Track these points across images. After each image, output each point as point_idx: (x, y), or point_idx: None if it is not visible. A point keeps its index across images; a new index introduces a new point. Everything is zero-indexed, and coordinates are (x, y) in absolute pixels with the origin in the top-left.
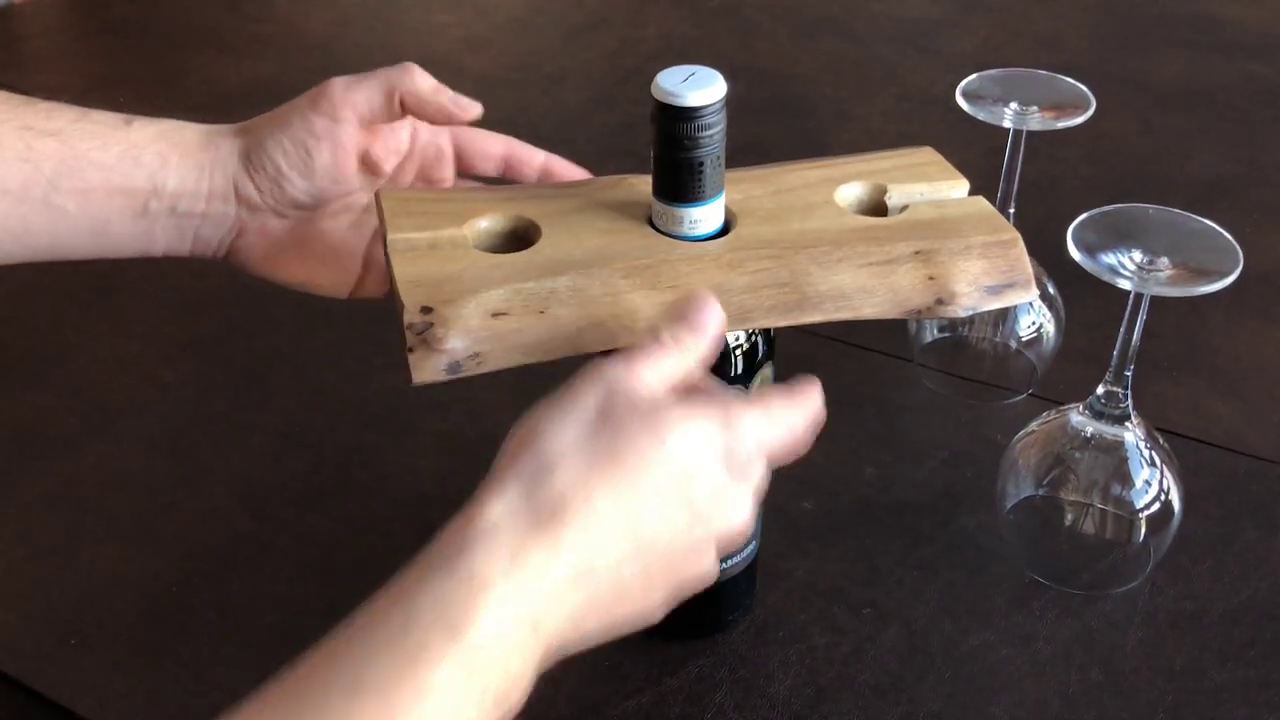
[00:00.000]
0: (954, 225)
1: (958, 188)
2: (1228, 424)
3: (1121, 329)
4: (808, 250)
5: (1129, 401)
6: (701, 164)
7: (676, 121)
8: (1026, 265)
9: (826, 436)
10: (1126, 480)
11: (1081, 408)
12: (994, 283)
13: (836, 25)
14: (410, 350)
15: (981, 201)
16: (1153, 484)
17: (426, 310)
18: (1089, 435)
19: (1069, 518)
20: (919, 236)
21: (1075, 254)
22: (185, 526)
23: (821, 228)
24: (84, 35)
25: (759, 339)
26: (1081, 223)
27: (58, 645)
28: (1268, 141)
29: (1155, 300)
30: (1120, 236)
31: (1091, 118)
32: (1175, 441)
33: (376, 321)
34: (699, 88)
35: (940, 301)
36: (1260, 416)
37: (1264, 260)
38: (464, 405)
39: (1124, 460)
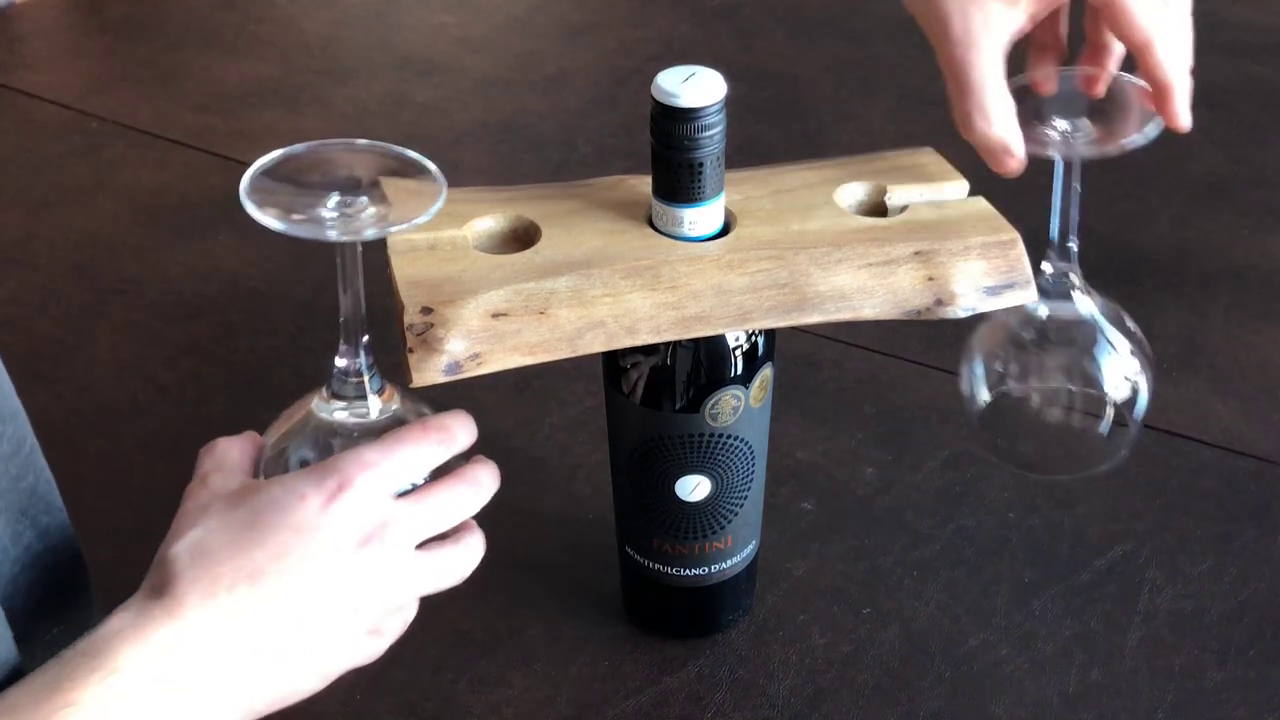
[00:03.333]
0: (954, 226)
1: (958, 188)
2: (1228, 424)
3: (1056, 199)
4: (807, 251)
5: (1079, 277)
6: (701, 165)
7: (676, 122)
8: (1026, 266)
9: (826, 436)
10: (1090, 359)
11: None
12: (994, 283)
13: (836, 25)
14: (410, 351)
15: (981, 202)
16: (1118, 359)
17: (426, 311)
18: (1045, 318)
19: (1039, 405)
20: (919, 237)
21: None
22: None
23: (821, 228)
24: (84, 35)
25: (759, 339)
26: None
27: None
28: (1268, 141)
29: (1154, 300)
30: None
31: None
32: (1175, 441)
33: (376, 322)
34: (698, 88)
35: (940, 302)
36: (1260, 416)
37: (1264, 260)
38: (464, 405)
39: (1085, 338)
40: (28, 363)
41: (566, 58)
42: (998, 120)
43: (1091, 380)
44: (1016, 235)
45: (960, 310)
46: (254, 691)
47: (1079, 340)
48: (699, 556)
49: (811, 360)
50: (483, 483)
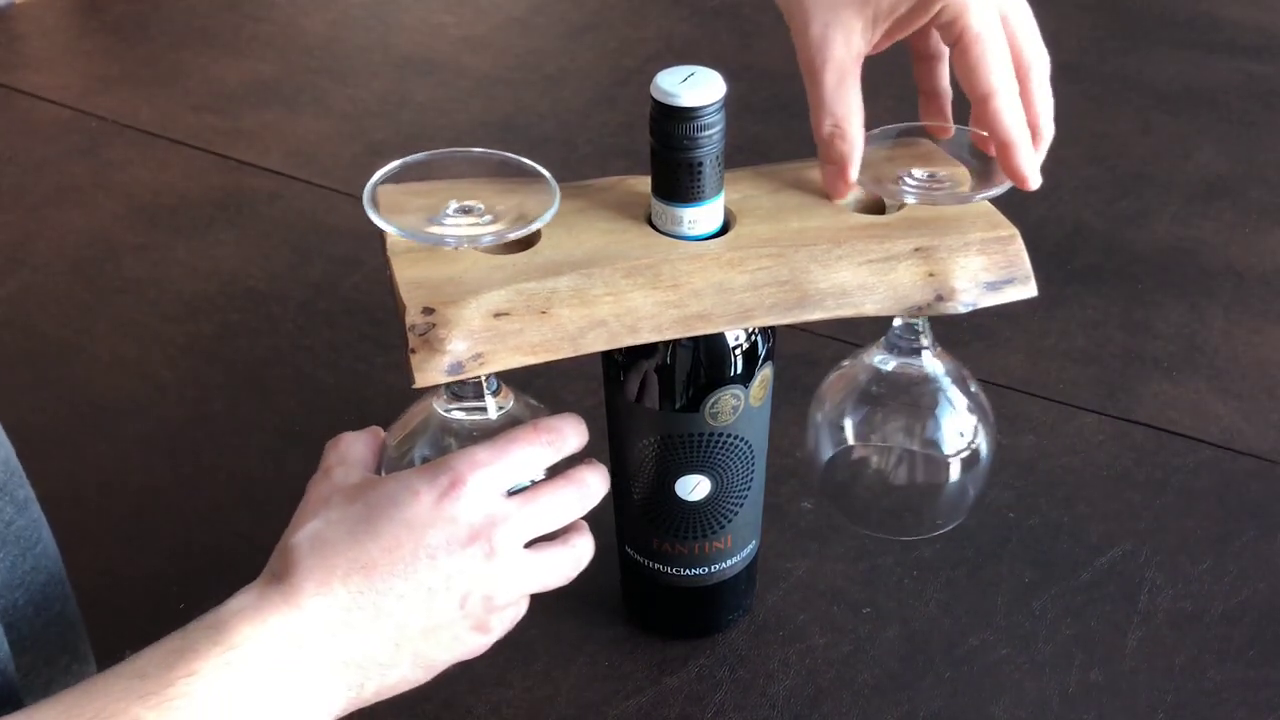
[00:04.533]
0: (953, 222)
1: None
2: (1227, 424)
3: None
4: (808, 248)
5: (929, 336)
6: (700, 164)
7: (675, 122)
8: (1026, 261)
9: None
10: (933, 420)
11: (882, 343)
12: (993, 278)
13: None
14: (412, 351)
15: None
16: (959, 421)
17: (428, 311)
18: (890, 372)
19: (882, 464)
20: (918, 233)
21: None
22: (185, 526)
23: (821, 226)
24: (84, 35)
25: (758, 338)
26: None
27: None
28: (1268, 141)
29: (1154, 300)
30: (907, 159)
31: (1091, 117)
32: (1175, 441)
33: (377, 322)
34: (697, 88)
35: (941, 298)
36: (1259, 416)
37: (1264, 260)
38: None
39: (929, 398)
40: (28, 363)
41: (566, 58)
42: (841, 134)
43: (932, 442)
44: (1015, 231)
45: (961, 306)
46: (361, 680)
47: (922, 400)
48: (699, 556)
49: (811, 360)
50: (591, 485)
